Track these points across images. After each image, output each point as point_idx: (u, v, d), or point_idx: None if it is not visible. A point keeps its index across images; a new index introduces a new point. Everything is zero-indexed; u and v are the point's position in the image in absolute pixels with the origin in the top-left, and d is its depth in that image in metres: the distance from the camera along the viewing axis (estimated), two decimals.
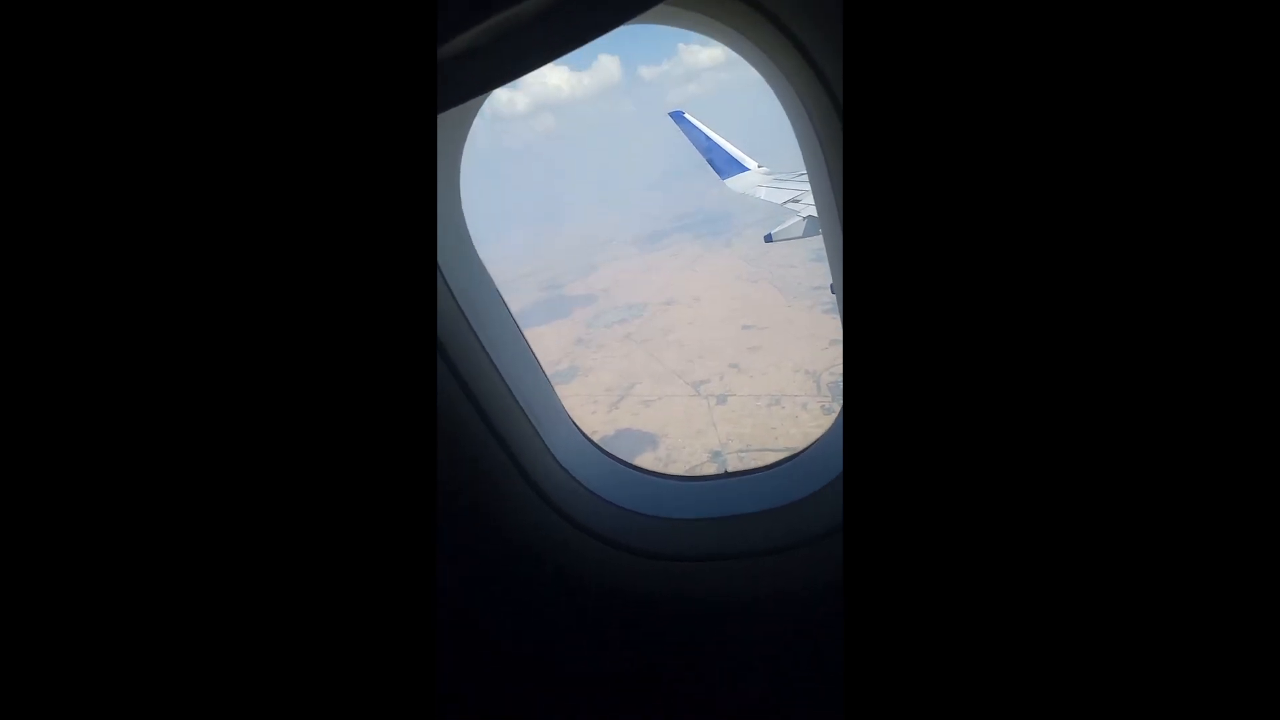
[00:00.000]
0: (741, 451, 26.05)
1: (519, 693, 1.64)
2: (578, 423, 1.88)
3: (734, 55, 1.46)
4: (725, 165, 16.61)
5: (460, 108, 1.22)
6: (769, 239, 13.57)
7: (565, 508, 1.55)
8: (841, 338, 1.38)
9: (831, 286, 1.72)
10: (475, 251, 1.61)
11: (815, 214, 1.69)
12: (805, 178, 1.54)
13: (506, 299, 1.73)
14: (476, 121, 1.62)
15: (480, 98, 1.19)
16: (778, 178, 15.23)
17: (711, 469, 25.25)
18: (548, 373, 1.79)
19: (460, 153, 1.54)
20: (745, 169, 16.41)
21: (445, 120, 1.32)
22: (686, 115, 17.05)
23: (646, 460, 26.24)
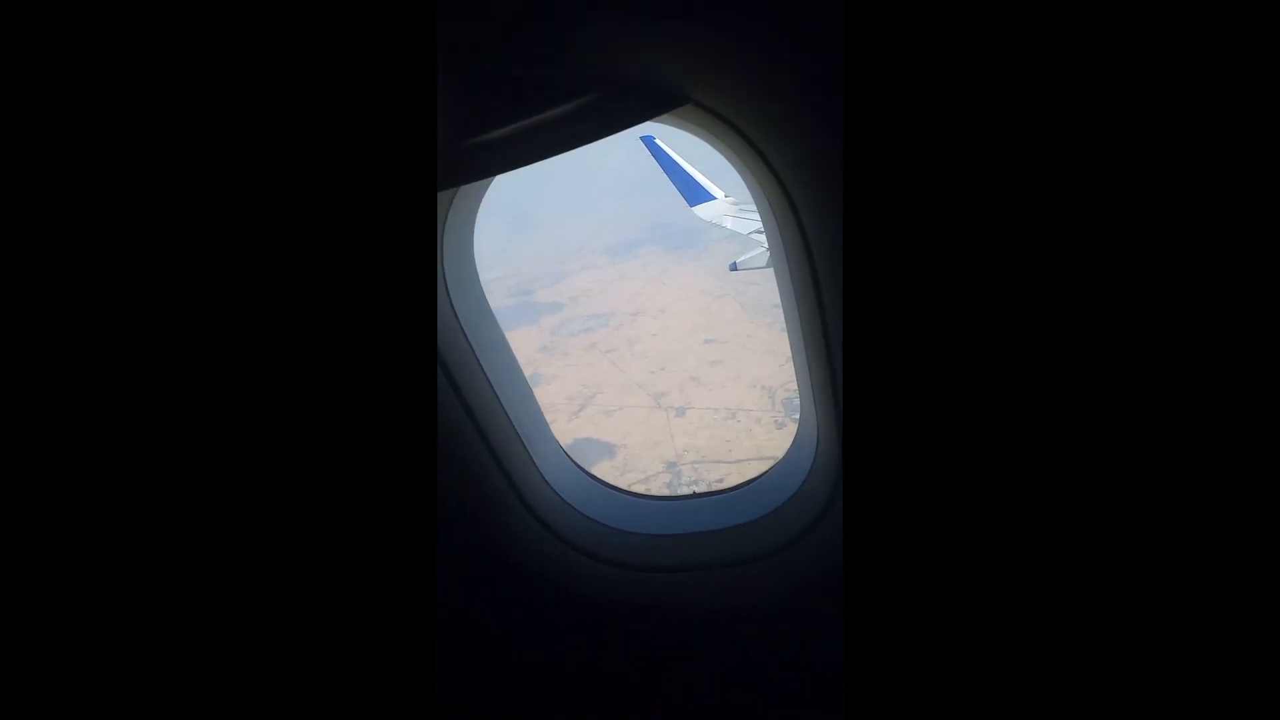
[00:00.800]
0: (696, 463, 26.60)
1: (507, 692, 1.78)
2: None
3: None
4: (693, 193, 16.94)
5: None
6: (734, 268, 14.07)
7: (552, 523, 1.75)
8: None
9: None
10: (481, 287, 1.80)
11: None
12: None
13: None
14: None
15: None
16: (744, 208, 15.66)
17: (666, 478, 25.82)
18: None
19: (476, 212, 1.72)
20: (713, 198, 16.80)
21: (467, 187, 1.49)
22: (657, 141, 17.29)
23: (604, 469, 26.58)
